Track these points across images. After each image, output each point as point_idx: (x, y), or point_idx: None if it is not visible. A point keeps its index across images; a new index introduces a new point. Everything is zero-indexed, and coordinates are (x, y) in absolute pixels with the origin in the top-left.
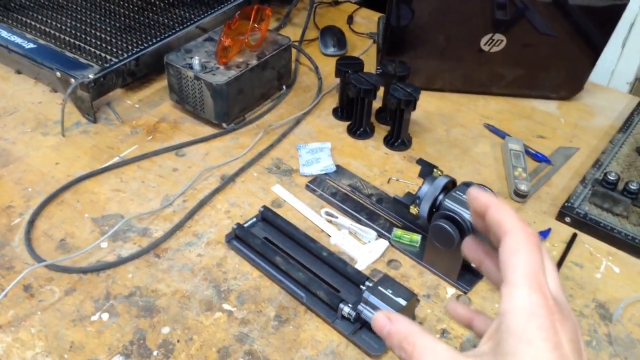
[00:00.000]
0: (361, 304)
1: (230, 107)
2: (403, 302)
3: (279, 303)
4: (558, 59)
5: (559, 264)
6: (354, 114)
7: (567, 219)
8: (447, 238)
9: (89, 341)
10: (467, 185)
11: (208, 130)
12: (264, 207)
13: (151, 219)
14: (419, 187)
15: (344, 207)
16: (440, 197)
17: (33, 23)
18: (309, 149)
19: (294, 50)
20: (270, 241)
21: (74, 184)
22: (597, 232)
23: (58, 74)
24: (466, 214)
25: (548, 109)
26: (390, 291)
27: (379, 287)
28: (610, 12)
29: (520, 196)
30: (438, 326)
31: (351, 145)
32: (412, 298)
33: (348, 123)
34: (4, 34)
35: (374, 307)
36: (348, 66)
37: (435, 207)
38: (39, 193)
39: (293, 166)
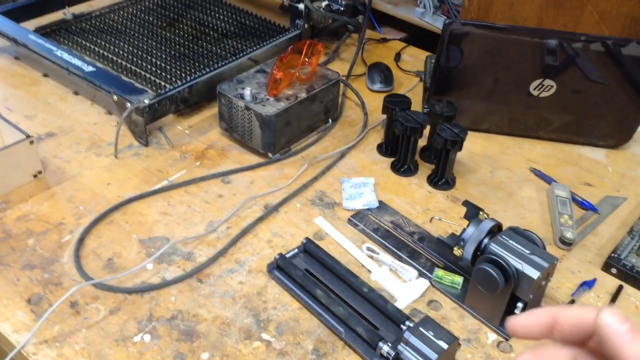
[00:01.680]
0: (401, 344)
1: (277, 138)
2: (444, 346)
3: (317, 336)
4: (607, 107)
5: None
6: (399, 151)
7: (613, 270)
8: (491, 282)
9: None
10: (513, 230)
11: (254, 159)
12: (307, 238)
13: (195, 244)
14: (464, 228)
15: (385, 243)
16: (486, 240)
17: (92, 47)
18: (352, 183)
19: (341, 85)
20: (311, 273)
21: (124, 204)
22: None
23: (115, 97)
24: (511, 259)
25: (596, 157)
26: (432, 333)
27: (420, 328)
28: None
29: (566, 244)
30: None
31: (394, 182)
32: (453, 342)
33: (392, 160)
34: (65, 56)
35: (414, 348)
36: (395, 103)
37: (479, 250)
38: (89, 212)
39: (336, 199)
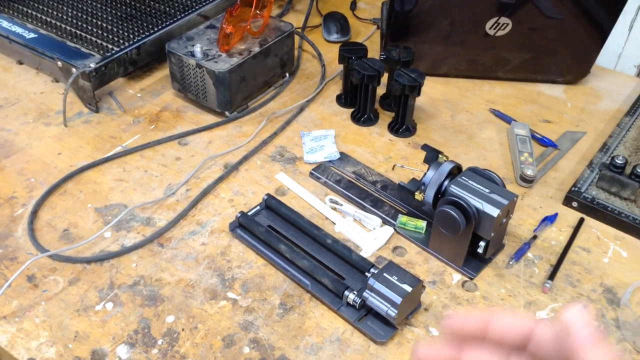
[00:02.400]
0: (366, 290)
1: (233, 95)
2: (408, 289)
3: (283, 291)
4: (564, 42)
5: (566, 248)
6: (358, 100)
7: (574, 204)
8: (452, 224)
9: (94, 331)
10: (473, 170)
11: (211, 119)
12: (268, 195)
13: (154, 209)
14: (424, 173)
15: (348, 194)
16: (446, 182)
17: (34, 13)
18: (312, 137)
19: (296, 37)
20: (274, 229)
21: (77, 174)
22: (604, 216)
23: (59, 63)
24: (471, 199)
25: (554, 93)
26: (396, 278)
27: (384, 274)
28: None
29: (527, 181)
30: (444, 312)
31: (355, 132)
32: (417, 284)
33: (352, 110)
34: (5, 24)
35: (379, 294)
36: (351, 52)
37: (440, 193)
38: (41, 183)
39: (297, 154)
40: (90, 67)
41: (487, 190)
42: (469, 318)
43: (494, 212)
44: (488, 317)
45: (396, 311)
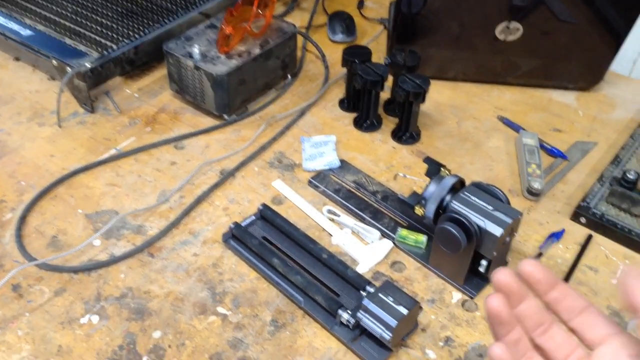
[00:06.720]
0: (360, 311)
1: (232, 98)
2: (404, 311)
3: (276, 307)
4: (577, 47)
5: (572, 267)
6: (361, 105)
7: (582, 220)
8: (453, 242)
9: (77, 345)
10: (476, 185)
11: (209, 122)
12: (263, 205)
13: (146, 216)
14: (425, 187)
15: (347, 204)
16: (448, 197)
17: (33, 8)
18: (313, 143)
19: (300, 37)
20: (269, 241)
21: (69, 177)
22: (614, 234)
23: (54, 62)
24: (473, 217)
25: (566, 101)
26: (392, 299)
27: (380, 294)
28: None
29: (534, 194)
30: (442, 334)
31: (357, 138)
32: (414, 306)
33: (355, 115)
34: (2, 20)
35: (374, 316)
36: (355, 55)
37: (442, 208)
38: (32, 187)
39: (296, 160)
40: (85, 66)
41: (491, 208)
42: (545, 271)
43: (497, 231)
44: (554, 280)
45: (391, 334)
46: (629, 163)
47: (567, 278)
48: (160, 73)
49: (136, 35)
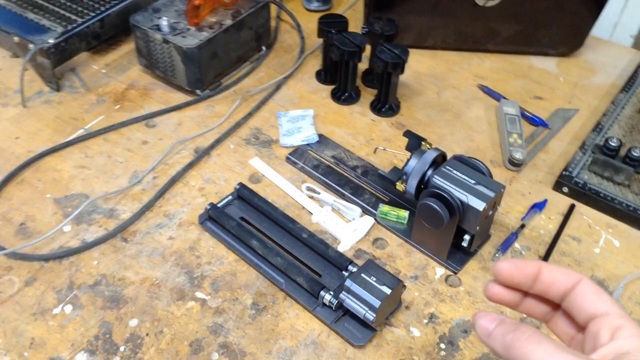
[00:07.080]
0: (343, 292)
1: (204, 73)
2: (387, 291)
3: (256, 289)
4: (558, 12)
5: (555, 238)
6: (338, 77)
7: (565, 189)
8: (435, 218)
9: (51, 337)
10: (458, 159)
11: (181, 98)
12: (240, 184)
13: (118, 199)
14: (406, 161)
15: (326, 181)
16: (429, 172)
17: None
18: (290, 117)
19: (274, 7)
20: (247, 221)
21: (35, 160)
22: (596, 202)
23: (16, 38)
24: (455, 192)
25: (546, 67)
26: (374, 278)
27: (362, 274)
28: None
29: (515, 165)
30: (426, 310)
31: (335, 111)
32: (397, 285)
33: (332, 87)
34: None
35: (357, 296)
36: (331, 25)
37: (423, 183)
38: None
39: (273, 136)
40: (48, 42)
41: (473, 182)
42: (522, 266)
43: (480, 205)
44: (538, 267)
45: (374, 315)
46: (610, 130)
47: (550, 249)
48: (128, 47)
49: (102, 8)
